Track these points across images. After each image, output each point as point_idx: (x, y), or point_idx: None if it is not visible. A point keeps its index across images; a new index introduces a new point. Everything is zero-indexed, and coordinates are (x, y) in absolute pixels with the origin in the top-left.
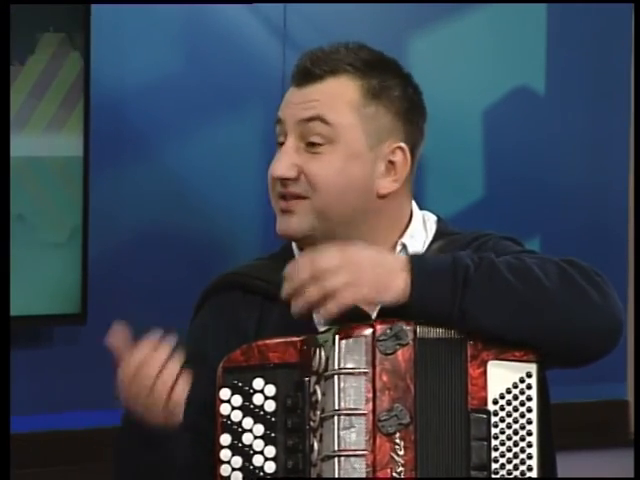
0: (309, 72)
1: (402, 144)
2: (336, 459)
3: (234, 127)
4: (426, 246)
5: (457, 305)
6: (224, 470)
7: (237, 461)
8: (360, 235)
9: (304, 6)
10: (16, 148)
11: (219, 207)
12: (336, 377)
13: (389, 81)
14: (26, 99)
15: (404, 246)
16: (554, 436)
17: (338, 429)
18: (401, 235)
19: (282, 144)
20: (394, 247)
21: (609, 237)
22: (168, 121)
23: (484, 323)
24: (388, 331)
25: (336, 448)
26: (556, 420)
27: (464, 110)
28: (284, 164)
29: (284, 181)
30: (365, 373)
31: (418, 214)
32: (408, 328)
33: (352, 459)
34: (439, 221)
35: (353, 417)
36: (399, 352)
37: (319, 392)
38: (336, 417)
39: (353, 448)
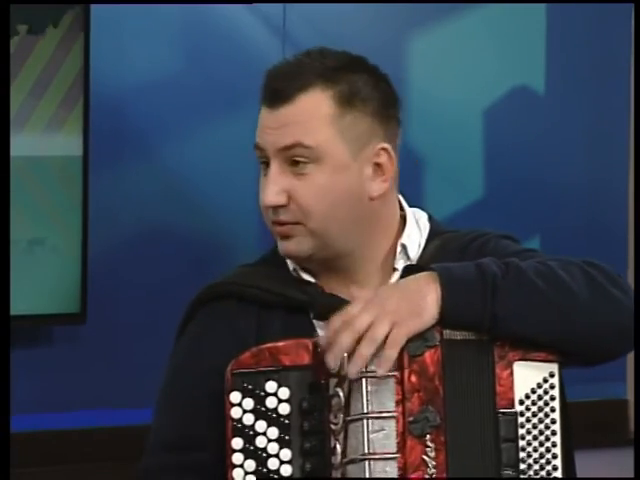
0: (278, 92)
1: (385, 144)
2: (366, 462)
3: (234, 127)
4: (422, 246)
5: (488, 312)
6: (237, 474)
7: (250, 465)
8: (359, 242)
9: (304, 6)
10: (16, 148)
11: (219, 206)
12: (363, 380)
13: (359, 82)
14: (26, 98)
15: (404, 247)
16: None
17: (367, 432)
18: (398, 236)
19: (265, 163)
20: (394, 249)
21: (609, 236)
22: (168, 120)
23: (515, 329)
24: None
25: (366, 451)
26: None
27: (464, 110)
28: (272, 192)
29: (275, 209)
30: (393, 375)
31: (410, 212)
32: (435, 329)
33: (383, 462)
34: (430, 219)
35: (383, 420)
36: (427, 354)
37: (342, 394)
38: (365, 420)
39: (384, 451)
